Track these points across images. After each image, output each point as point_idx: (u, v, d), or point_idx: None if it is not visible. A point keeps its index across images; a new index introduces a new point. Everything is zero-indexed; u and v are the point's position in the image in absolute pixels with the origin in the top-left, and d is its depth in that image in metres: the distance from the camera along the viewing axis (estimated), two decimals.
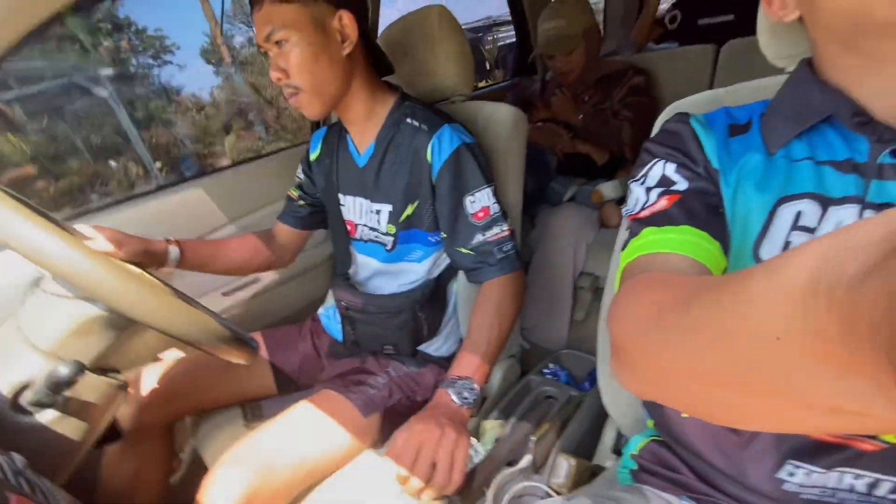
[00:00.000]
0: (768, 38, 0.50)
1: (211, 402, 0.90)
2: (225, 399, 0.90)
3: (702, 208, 0.42)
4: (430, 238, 0.84)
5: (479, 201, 0.77)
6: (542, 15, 1.48)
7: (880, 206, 0.37)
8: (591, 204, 1.41)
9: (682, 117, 0.48)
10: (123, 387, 0.57)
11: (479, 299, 0.79)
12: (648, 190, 0.45)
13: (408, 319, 0.85)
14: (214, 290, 1.08)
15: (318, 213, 0.99)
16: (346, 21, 0.72)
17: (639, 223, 0.43)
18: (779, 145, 0.42)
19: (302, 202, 0.98)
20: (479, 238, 0.77)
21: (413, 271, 0.87)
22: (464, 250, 0.79)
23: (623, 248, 0.44)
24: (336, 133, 0.90)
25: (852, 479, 0.41)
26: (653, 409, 0.57)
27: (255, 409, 0.89)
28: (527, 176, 0.94)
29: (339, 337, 0.96)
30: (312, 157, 0.95)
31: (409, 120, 0.79)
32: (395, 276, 0.89)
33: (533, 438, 0.72)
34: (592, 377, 1.04)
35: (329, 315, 1.00)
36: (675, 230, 0.40)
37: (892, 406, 0.12)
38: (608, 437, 0.74)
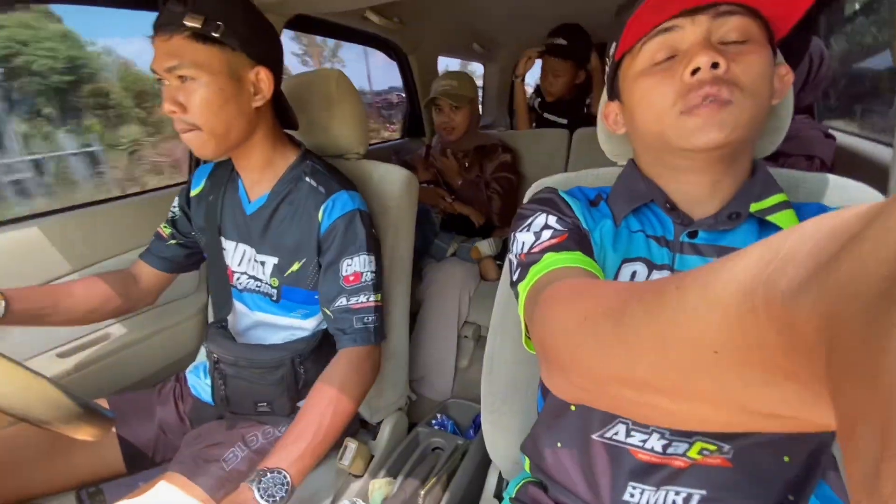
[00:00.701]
0: (605, 142, 0.65)
1: (35, 487, 0.72)
2: (55, 483, 0.73)
3: (584, 244, 0.50)
4: (315, 297, 0.83)
5: (355, 266, 0.77)
6: (436, 79, 1.68)
7: None
8: (471, 259, 1.54)
9: (551, 190, 0.58)
10: None
11: (325, 370, 0.75)
12: (537, 233, 0.50)
13: (286, 375, 0.80)
14: (47, 351, 0.90)
15: (190, 255, 0.91)
16: (262, 76, 0.72)
17: (535, 254, 0.47)
18: (621, 218, 0.54)
19: (173, 241, 0.89)
20: (342, 301, 0.76)
21: (299, 326, 0.85)
22: (327, 311, 0.78)
23: (519, 280, 0.47)
24: (226, 172, 0.86)
25: (674, 495, 0.50)
26: (528, 448, 0.63)
27: (94, 495, 0.74)
28: (415, 232, 1.00)
29: (208, 397, 0.86)
30: (194, 192, 0.88)
31: (308, 179, 0.79)
32: (279, 328, 0.85)
33: (421, 493, 0.73)
34: (477, 424, 1.10)
35: (198, 373, 0.90)
36: (570, 253, 0.46)
37: (828, 411, 0.12)
38: (490, 483, 0.78)
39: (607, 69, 0.55)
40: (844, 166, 1.19)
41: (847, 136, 1.38)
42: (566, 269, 0.44)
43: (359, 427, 0.95)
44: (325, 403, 0.70)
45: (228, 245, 0.85)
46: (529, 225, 0.52)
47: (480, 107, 1.84)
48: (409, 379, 1.21)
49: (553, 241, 0.48)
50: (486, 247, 1.54)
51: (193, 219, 0.88)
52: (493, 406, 0.73)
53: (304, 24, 1.48)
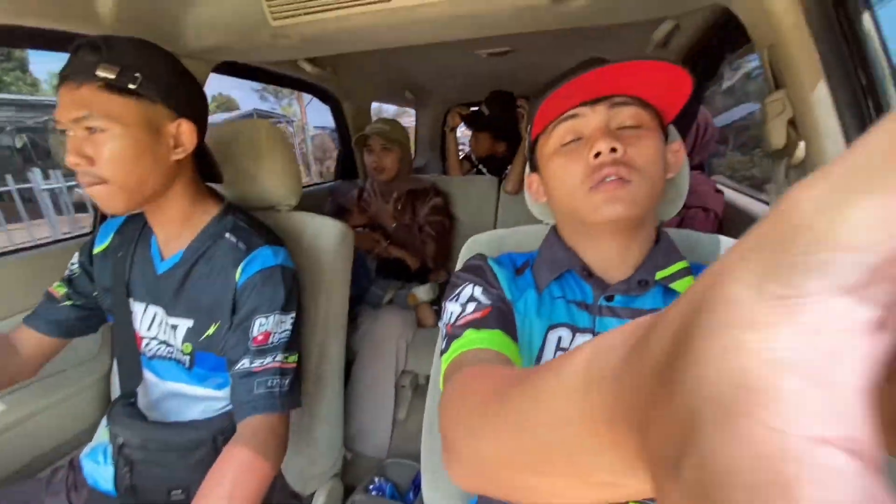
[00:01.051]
0: (532, 206, 0.69)
1: None
2: None
3: (506, 320, 0.52)
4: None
5: (267, 326, 0.69)
6: (369, 124, 1.72)
7: None
8: (408, 306, 1.53)
9: (481, 258, 0.60)
10: None
11: (220, 456, 0.64)
12: (463, 305, 0.53)
13: (206, 455, 0.71)
14: None
15: (85, 318, 0.80)
16: (184, 129, 0.67)
17: (459, 328, 0.50)
18: (543, 286, 0.57)
19: (68, 302, 0.78)
20: (244, 364, 0.68)
21: (214, 397, 0.77)
22: (231, 378, 0.70)
23: (444, 351, 0.49)
24: (137, 227, 0.79)
25: None
26: None
27: None
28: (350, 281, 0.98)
29: (109, 486, 0.75)
30: (98, 248, 0.79)
31: (228, 236, 0.74)
32: (195, 400, 0.77)
33: None
34: (417, 485, 1.05)
35: (96, 457, 0.78)
36: (489, 331, 0.48)
37: (642, 478, 0.14)
38: None
39: (526, 144, 0.61)
40: (730, 219, 1.38)
41: (731, 191, 1.60)
42: (480, 350, 0.46)
43: (290, 500, 0.88)
44: (223, 494, 0.59)
45: (137, 307, 0.77)
46: (458, 295, 0.55)
47: (413, 151, 1.89)
48: (344, 435, 1.15)
49: (476, 314, 0.51)
50: (422, 293, 1.55)
51: (97, 278, 0.79)
52: (435, 468, 0.71)
53: (234, 69, 1.44)
